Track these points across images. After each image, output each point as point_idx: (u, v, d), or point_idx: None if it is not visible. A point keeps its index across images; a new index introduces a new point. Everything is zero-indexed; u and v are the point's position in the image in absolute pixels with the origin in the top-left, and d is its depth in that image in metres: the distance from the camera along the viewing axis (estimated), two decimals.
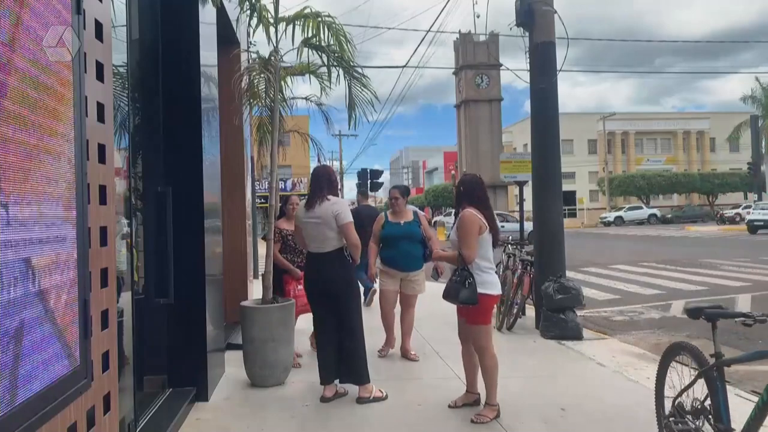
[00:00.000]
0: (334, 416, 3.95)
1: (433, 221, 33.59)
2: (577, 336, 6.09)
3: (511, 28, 7.47)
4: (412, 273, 5.36)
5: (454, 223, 4.07)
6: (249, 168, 8.23)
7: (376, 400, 4.19)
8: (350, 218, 4.21)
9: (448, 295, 3.85)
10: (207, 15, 4.69)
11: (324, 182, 4.32)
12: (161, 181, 4.08)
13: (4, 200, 1.52)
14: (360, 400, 4.17)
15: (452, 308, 4.18)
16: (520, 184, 11.19)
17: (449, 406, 4.04)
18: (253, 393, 4.50)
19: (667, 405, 3.00)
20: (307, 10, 5.27)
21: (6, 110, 1.54)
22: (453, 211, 4.37)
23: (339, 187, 4.35)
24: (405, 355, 5.45)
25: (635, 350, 5.72)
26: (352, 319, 4.26)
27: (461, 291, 3.73)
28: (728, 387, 4.33)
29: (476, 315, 3.84)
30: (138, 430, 3.28)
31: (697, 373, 2.74)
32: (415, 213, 5.47)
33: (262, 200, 17.65)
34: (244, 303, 4.91)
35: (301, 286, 4.82)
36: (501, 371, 3.95)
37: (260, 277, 6.38)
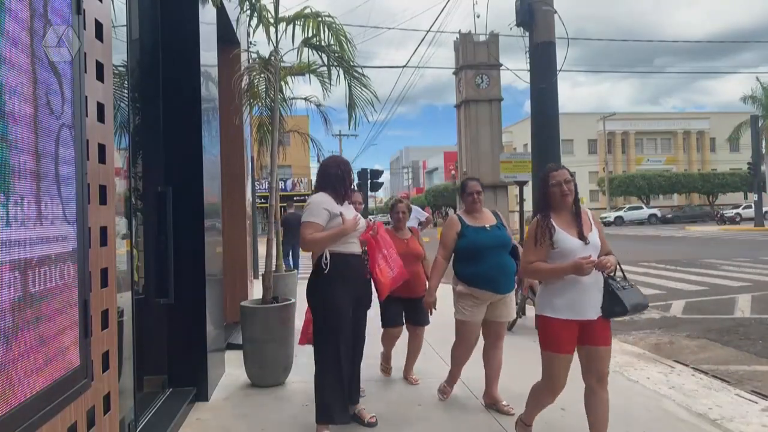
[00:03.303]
0: None
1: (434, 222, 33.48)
2: None
3: (511, 28, 7.52)
4: (508, 294, 4.00)
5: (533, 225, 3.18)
6: (249, 168, 8.23)
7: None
8: (306, 216, 3.51)
9: (634, 309, 2.95)
10: (207, 15, 4.70)
11: (317, 178, 3.79)
12: (161, 181, 4.08)
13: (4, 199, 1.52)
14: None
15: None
16: (520, 184, 11.21)
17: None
18: (253, 393, 4.50)
19: None
20: (307, 10, 5.28)
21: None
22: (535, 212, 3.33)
23: (330, 178, 3.66)
24: (494, 404, 4.09)
25: (635, 350, 5.71)
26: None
27: (635, 296, 2.96)
28: (728, 387, 4.38)
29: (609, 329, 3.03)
30: (138, 430, 3.28)
31: None
32: (496, 214, 4.13)
33: (262, 200, 17.68)
34: (244, 303, 4.91)
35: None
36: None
37: (260, 277, 6.38)
